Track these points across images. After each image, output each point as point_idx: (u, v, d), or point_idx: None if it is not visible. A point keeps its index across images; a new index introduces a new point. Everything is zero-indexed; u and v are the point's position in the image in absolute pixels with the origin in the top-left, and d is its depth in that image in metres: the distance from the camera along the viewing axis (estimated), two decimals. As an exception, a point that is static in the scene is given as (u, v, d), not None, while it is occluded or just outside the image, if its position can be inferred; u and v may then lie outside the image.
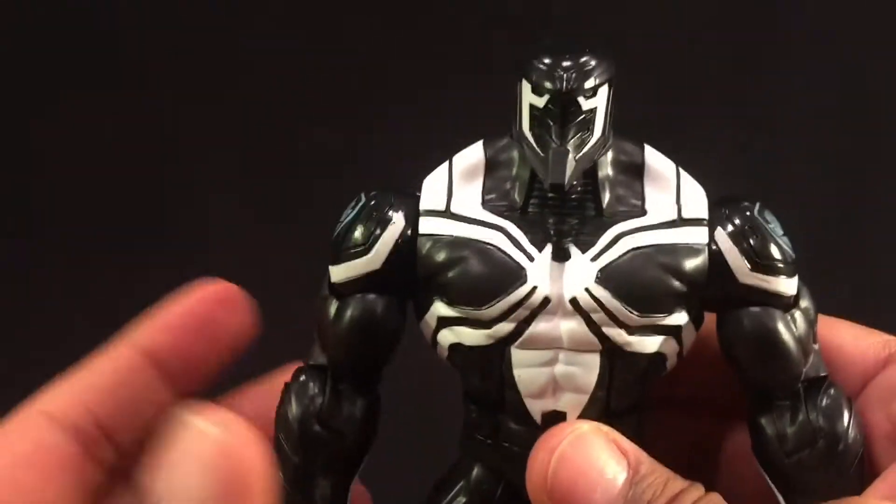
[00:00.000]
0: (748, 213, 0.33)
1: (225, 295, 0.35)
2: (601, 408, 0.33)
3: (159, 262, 0.66)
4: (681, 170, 0.34)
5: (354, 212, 0.34)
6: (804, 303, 0.34)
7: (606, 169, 0.34)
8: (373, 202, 0.34)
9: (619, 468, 0.31)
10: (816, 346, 0.35)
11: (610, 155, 0.34)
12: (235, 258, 0.65)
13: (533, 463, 0.32)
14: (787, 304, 0.34)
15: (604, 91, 0.32)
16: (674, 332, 0.33)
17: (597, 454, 0.31)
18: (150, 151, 0.70)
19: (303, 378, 0.34)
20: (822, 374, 0.34)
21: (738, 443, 0.38)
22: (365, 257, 0.34)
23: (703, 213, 0.33)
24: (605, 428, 0.32)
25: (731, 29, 0.70)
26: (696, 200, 0.34)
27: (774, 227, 0.34)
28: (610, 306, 0.32)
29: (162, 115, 0.69)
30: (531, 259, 0.32)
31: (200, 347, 0.35)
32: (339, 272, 0.34)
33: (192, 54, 0.69)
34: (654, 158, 0.34)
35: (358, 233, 0.34)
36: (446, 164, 0.35)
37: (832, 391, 0.34)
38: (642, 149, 0.34)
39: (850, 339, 0.37)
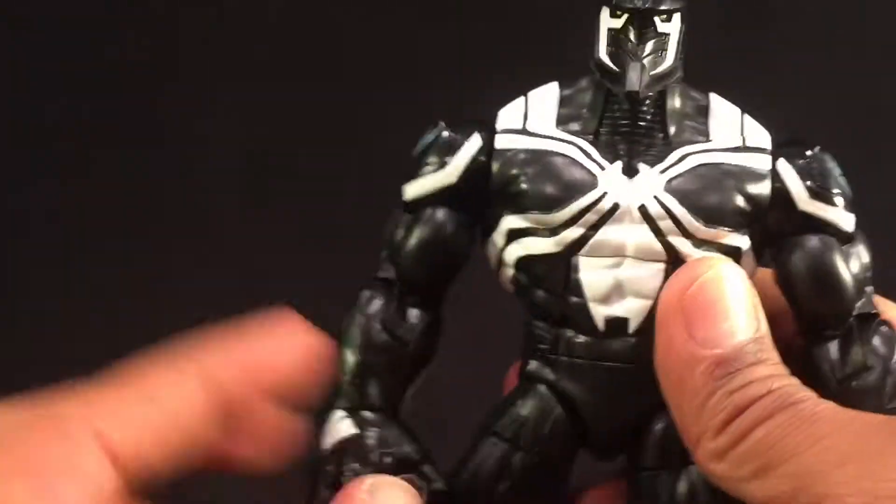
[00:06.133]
0: (810, 151, 0.35)
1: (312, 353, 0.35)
2: None
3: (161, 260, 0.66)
4: (745, 114, 0.36)
5: (433, 134, 0.36)
6: (861, 245, 0.35)
7: (675, 102, 0.36)
8: (450, 126, 0.36)
9: (751, 321, 0.32)
10: (870, 290, 0.35)
11: (678, 92, 0.36)
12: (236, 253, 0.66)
13: (674, 279, 0.33)
14: (844, 238, 0.35)
15: (677, 19, 0.35)
16: (734, 253, 0.34)
17: (741, 295, 0.32)
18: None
19: (368, 292, 0.36)
20: (874, 312, 0.35)
21: None
22: (442, 172, 0.36)
23: (767, 144, 0.35)
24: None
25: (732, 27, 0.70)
26: (759, 135, 0.35)
27: (834, 166, 0.35)
28: (678, 214, 0.34)
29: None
30: (602, 169, 0.34)
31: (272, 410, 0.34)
32: (415, 188, 0.36)
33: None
34: (718, 102, 0.36)
35: (436, 150, 0.36)
36: (521, 98, 0.37)
37: (884, 328, 0.35)
38: (707, 95, 0.37)
39: None
